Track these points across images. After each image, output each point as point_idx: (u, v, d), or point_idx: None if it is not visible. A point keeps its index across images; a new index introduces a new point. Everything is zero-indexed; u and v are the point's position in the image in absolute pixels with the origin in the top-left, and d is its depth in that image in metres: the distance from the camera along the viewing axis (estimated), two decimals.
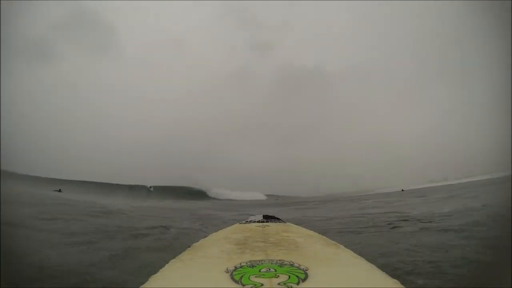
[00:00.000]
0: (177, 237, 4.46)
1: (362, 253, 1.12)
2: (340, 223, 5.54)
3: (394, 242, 3.58)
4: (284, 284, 0.77)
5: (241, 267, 0.92)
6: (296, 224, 1.91)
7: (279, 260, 0.99)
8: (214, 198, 40.45)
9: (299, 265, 0.93)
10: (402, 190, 25.40)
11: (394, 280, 0.85)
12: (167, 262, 1.07)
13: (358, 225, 5.12)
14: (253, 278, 0.82)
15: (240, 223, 1.92)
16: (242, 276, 0.84)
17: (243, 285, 0.78)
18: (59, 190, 19.25)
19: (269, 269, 0.89)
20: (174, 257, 1.13)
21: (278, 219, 2.08)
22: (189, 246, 1.31)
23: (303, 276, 0.84)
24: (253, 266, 0.92)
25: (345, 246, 1.25)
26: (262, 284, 0.77)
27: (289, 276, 0.82)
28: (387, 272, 0.90)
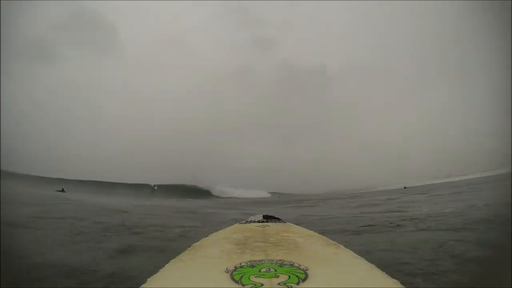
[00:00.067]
0: (182, 235, 4.49)
1: (361, 252, 1.12)
2: (339, 223, 5.55)
3: (394, 241, 3.59)
4: (284, 284, 0.77)
5: (241, 267, 0.92)
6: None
7: (279, 260, 0.99)
8: (217, 196, 40.38)
9: (299, 265, 0.93)
10: (405, 187, 25.34)
11: (394, 280, 0.85)
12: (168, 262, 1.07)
13: (358, 224, 5.13)
14: (253, 278, 0.82)
15: (240, 223, 1.92)
16: (242, 276, 0.84)
17: (243, 285, 0.78)
18: (62, 190, 19.20)
19: (269, 269, 0.89)
20: (174, 257, 1.13)
21: (278, 219, 2.08)
22: (189, 246, 1.31)
23: (303, 276, 0.84)
24: (253, 266, 0.92)
25: (345, 245, 1.25)
26: (262, 284, 0.77)
27: (289, 276, 0.82)
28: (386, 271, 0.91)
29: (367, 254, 1.12)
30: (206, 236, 1.54)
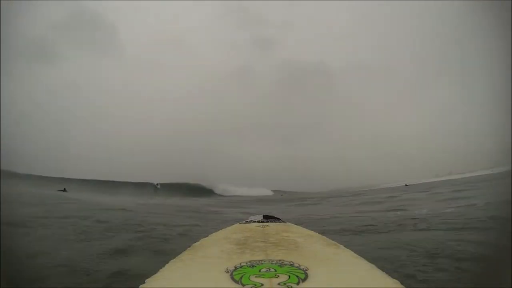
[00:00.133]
0: (184, 234, 4.51)
1: (361, 252, 1.13)
2: (340, 223, 5.55)
3: (392, 240, 3.59)
4: (284, 284, 0.77)
5: (241, 267, 0.92)
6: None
7: (279, 260, 0.99)
8: (220, 195, 40.27)
9: (299, 265, 0.93)
10: (406, 185, 25.33)
11: (394, 280, 0.85)
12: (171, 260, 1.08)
13: (358, 223, 5.13)
14: (253, 278, 0.82)
15: (240, 223, 1.92)
16: (242, 276, 0.84)
17: (243, 285, 0.78)
18: (64, 190, 19.14)
19: (269, 269, 0.89)
20: (174, 257, 1.13)
21: (278, 219, 2.08)
22: (189, 246, 1.31)
23: (303, 276, 0.84)
24: (253, 266, 0.92)
25: (345, 244, 1.25)
26: (262, 284, 0.77)
27: (289, 276, 0.82)
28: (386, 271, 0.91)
29: (366, 254, 1.12)
30: (207, 236, 1.54)
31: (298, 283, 0.78)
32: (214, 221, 6.34)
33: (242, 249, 1.17)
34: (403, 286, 0.81)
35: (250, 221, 1.97)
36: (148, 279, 0.88)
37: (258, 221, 1.95)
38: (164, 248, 3.43)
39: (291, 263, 0.95)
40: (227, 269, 0.90)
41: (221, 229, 1.74)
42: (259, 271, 0.88)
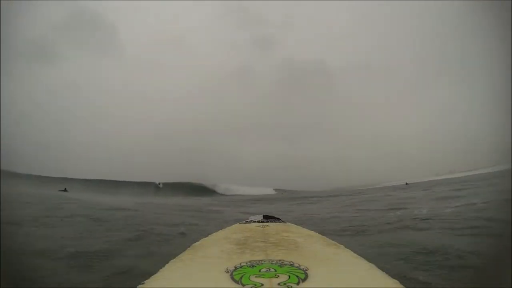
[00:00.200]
0: (187, 233, 4.53)
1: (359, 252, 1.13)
2: (339, 222, 5.55)
3: (391, 240, 3.59)
4: (284, 284, 0.77)
5: (241, 267, 0.92)
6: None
7: (279, 260, 0.99)
8: (222, 194, 40.22)
9: (299, 265, 0.93)
10: (406, 183, 25.27)
11: (394, 280, 0.85)
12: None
13: (359, 223, 5.13)
14: (253, 278, 0.82)
15: (240, 223, 1.92)
16: (242, 276, 0.84)
17: (243, 285, 0.78)
18: (65, 190, 19.09)
19: (269, 269, 0.89)
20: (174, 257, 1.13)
21: (278, 219, 2.08)
22: (189, 246, 1.31)
23: (303, 276, 0.84)
24: (253, 266, 0.93)
25: (345, 244, 1.25)
26: (262, 284, 0.77)
27: (289, 276, 0.83)
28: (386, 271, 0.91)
29: (366, 254, 1.12)
30: (206, 236, 1.54)
31: (298, 283, 0.78)
32: (216, 221, 6.35)
33: (242, 249, 1.17)
34: (403, 286, 0.81)
35: (250, 221, 1.97)
36: (148, 280, 0.88)
37: (258, 221, 1.95)
38: (165, 248, 3.43)
39: (291, 263, 0.95)
40: (227, 269, 0.90)
41: (221, 229, 1.74)
42: (259, 271, 0.88)
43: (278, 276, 0.83)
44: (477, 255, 2.68)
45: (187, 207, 10.64)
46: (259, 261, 0.98)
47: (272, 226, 1.77)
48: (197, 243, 1.38)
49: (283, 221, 2.01)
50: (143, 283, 0.84)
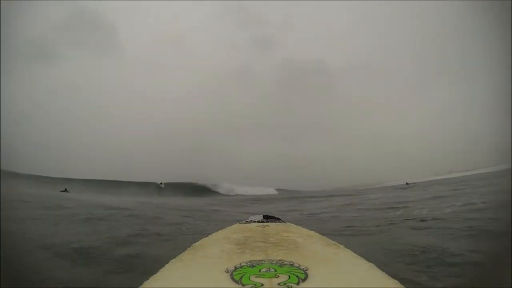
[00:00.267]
0: (189, 233, 4.55)
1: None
2: (338, 222, 5.54)
3: (391, 240, 3.59)
4: (284, 284, 0.77)
5: (241, 267, 0.92)
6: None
7: (279, 260, 0.98)
8: (225, 194, 40.14)
9: (299, 265, 0.93)
10: (407, 183, 25.20)
11: (394, 280, 0.85)
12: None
13: (358, 223, 5.12)
14: (253, 278, 0.82)
15: (240, 223, 1.92)
16: (242, 276, 0.84)
17: (243, 285, 0.78)
18: (65, 190, 19.05)
19: (269, 269, 0.89)
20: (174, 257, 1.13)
21: (278, 219, 2.08)
22: (189, 246, 1.31)
23: (303, 276, 0.84)
24: (253, 266, 0.92)
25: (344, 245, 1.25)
26: (262, 284, 0.77)
27: (289, 276, 0.82)
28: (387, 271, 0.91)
29: (365, 254, 1.12)
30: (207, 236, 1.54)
31: (298, 283, 0.78)
32: (218, 221, 6.36)
33: (242, 249, 1.17)
34: (403, 286, 0.81)
35: (250, 221, 1.97)
36: (148, 280, 0.88)
37: (258, 221, 1.95)
38: (166, 248, 3.43)
39: (291, 263, 0.95)
40: (227, 269, 0.90)
41: (221, 229, 1.74)
42: (259, 271, 0.88)
43: (278, 276, 0.83)
44: (477, 255, 2.68)
45: (188, 207, 10.64)
46: (259, 261, 0.98)
47: (272, 226, 1.77)
48: (197, 243, 1.37)
49: (283, 221, 2.01)
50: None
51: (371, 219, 5.66)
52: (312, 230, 1.66)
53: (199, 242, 1.40)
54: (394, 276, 0.87)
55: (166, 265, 1.02)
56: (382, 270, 0.93)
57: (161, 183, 42.15)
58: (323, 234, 1.51)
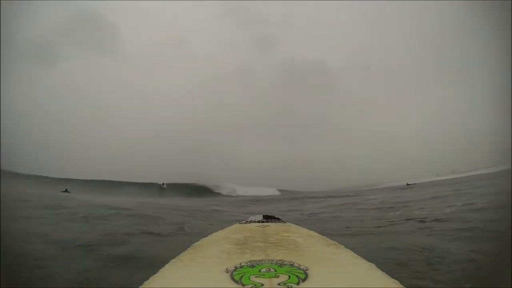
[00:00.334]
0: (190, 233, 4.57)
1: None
2: (338, 223, 5.54)
3: (391, 240, 3.59)
4: (284, 284, 0.77)
5: (241, 267, 0.92)
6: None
7: (279, 260, 0.98)
8: (227, 195, 40.16)
9: (299, 265, 0.93)
10: (407, 184, 25.22)
11: (394, 280, 0.85)
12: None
13: (358, 223, 5.12)
14: (253, 278, 0.82)
15: (240, 223, 1.92)
16: (242, 276, 0.84)
17: (243, 285, 0.78)
18: (66, 190, 19.07)
19: (269, 269, 0.89)
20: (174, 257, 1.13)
21: (278, 219, 2.08)
22: (189, 246, 1.31)
23: (303, 276, 0.84)
24: (253, 266, 0.92)
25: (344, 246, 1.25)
26: (262, 284, 0.77)
27: (289, 276, 0.82)
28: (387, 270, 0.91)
29: (364, 255, 1.12)
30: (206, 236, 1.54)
31: (298, 283, 0.78)
32: (220, 221, 6.38)
33: (242, 249, 1.17)
34: (403, 286, 0.81)
35: (250, 221, 1.96)
36: (147, 280, 0.88)
37: (258, 221, 1.95)
38: (167, 249, 3.44)
39: (291, 263, 0.95)
40: (227, 269, 0.90)
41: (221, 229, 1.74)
42: (259, 271, 0.88)
43: (278, 276, 0.83)
44: (477, 255, 2.69)
45: (191, 207, 10.65)
46: (259, 261, 0.98)
47: (272, 226, 1.77)
48: (197, 243, 1.37)
49: (283, 221, 2.01)
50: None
51: (371, 219, 5.67)
52: (312, 230, 1.66)
53: (199, 242, 1.40)
54: (393, 276, 0.87)
55: (166, 265, 1.02)
56: (382, 270, 0.93)
57: (163, 184, 42.13)
58: (323, 234, 1.51)
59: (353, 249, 1.17)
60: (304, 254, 1.10)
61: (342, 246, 1.24)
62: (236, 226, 1.83)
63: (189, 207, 10.95)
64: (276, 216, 2.17)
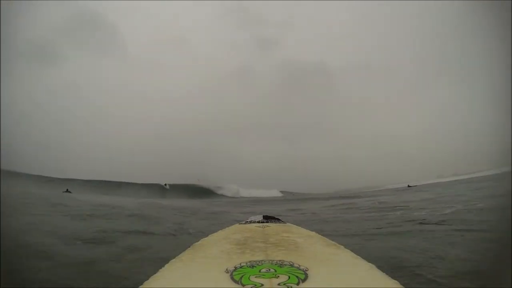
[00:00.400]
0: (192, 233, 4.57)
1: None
2: (338, 223, 5.54)
3: (391, 240, 3.58)
4: (284, 284, 0.77)
5: (241, 267, 0.92)
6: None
7: (279, 260, 0.98)
8: (231, 197, 40.08)
9: (299, 265, 0.93)
10: (409, 185, 25.22)
11: (394, 280, 0.85)
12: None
13: (358, 224, 5.12)
14: (253, 278, 0.82)
15: (240, 224, 1.92)
16: (242, 276, 0.84)
17: (243, 285, 0.78)
18: (67, 191, 19.07)
19: (269, 270, 0.89)
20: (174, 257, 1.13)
21: (278, 219, 2.08)
22: (189, 246, 1.31)
23: (303, 276, 0.84)
24: (253, 266, 0.92)
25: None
26: (262, 284, 0.77)
27: (289, 277, 0.82)
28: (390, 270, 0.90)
29: (364, 255, 1.12)
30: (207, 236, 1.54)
31: (298, 284, 0.78)
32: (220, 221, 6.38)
33: (242, 249, 1.17)
34: (403, 287, 0.81)
35: (250, 222, 1.96)
36: (147, 280, 0.88)
37: (258, 222, 1.95)
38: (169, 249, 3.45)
39: (291, 263, 0.95)
40: (227, 269, 0.90)
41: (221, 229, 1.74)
42: (259, 271, 0.88)
43: (278, 276, 0.83)
44: (477, 255, 2.68)
45: (192, 208, 10.66)
46: (259, 261, 0.98)
47: (272, 226, 1.77)
48: (197, 243, 1.37)
49: (283, 222, 2.00)
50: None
51: (371, 220, 5.67)
52: (312, 231, 1.66)
53: (199, 242, 1.40)
54: (393, 276, 0.87)
55: (166, 265, 1.02)
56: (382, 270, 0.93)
57: (165, 184, 42.08)
58: (323, 235, 1.51)
59: (352, 250, 1.17)
60: (304, 255, 1.10)
61: (342, 246, 1.24)
62: (236, 226, 1.83)
63: (191, 207, 10.96)
64: (276, 217, 2.17)
